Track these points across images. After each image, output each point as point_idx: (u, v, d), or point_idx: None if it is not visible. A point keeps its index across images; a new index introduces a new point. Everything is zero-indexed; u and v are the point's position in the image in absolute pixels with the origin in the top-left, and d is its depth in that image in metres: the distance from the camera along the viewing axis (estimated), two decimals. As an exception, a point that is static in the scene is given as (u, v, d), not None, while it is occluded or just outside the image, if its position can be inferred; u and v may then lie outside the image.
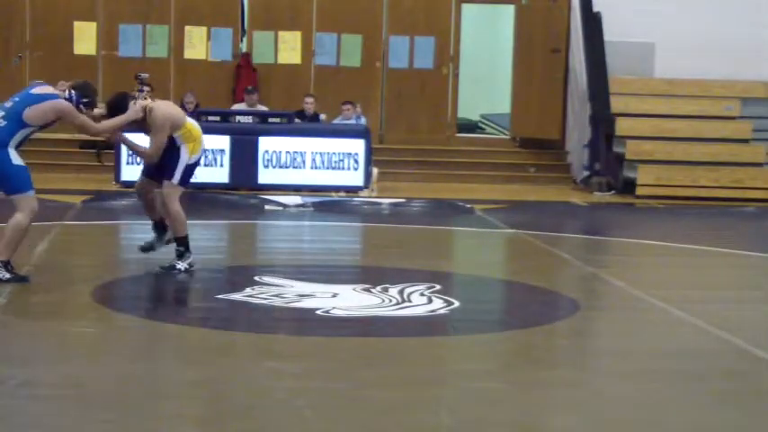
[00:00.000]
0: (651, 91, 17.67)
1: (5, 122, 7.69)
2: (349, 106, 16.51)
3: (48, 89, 7.91)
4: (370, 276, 8.81)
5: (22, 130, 7.72)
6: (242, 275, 8.72)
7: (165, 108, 8.74)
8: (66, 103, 7.85)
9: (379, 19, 18.45)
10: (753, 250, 11.22)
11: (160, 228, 8.87)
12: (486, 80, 20.54)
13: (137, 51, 18.11)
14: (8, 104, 7.79)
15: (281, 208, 13.73)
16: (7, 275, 7.69)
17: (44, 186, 14.16)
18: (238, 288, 8.04)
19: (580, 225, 13.97)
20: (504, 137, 19.56)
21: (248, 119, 15.29)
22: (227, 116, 15.42)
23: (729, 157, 16.67)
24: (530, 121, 18.35)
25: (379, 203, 14.38)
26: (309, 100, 16.49)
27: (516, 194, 15.99)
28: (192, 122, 8.84)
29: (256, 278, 8.43)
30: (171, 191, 8.58)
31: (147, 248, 8.90)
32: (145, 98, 15.84)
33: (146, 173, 8.79)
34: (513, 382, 5.96)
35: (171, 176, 8.59)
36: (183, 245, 8.66)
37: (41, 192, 13.17)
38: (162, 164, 8.63)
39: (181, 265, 8.59)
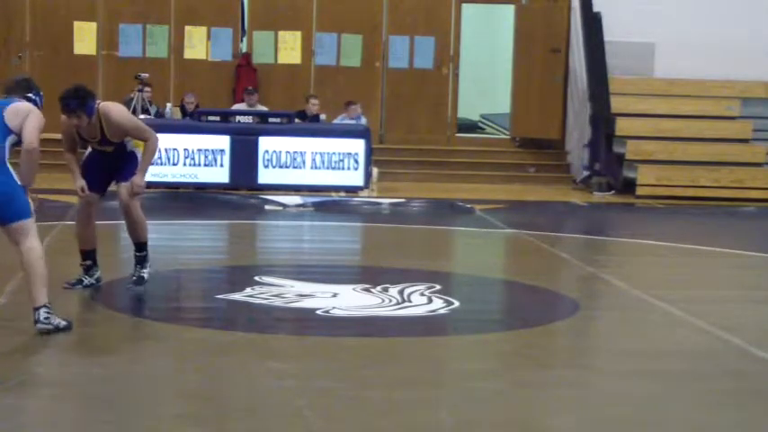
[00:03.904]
0: (651, 91, 17.67)
1: None
2: (355, 106, 16.53)
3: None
4: (370, 276, 8.81)
5: (7, 138, 6.53)
6: (242, 275, 8.72)
7: (117, 109, 7.78)
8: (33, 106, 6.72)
9: (379, 19, 18.44)
10: (753, 250, 11.22)
11: (93, 260, 8.04)
12: (486, 80, 20.54)
13: (137, 51, 18.11)
14: None
15: (281, 208, 13.73)
16: (63, 322, 6.52)
17: (44, 186, 14.18)
18: (238, 288, 8.04)
19: (580, 225, 13.97)
20: (504, 137, 19.55)
21: (248, 119, 15.29)
22: (227, 116, 15.41)
23: (729, 157, 16.67)
24: (530, 121, 18.34)
25: (379, 203, 14.38)
26: (315, 101, 16.48)
27: (516, 194, 15.99)
28: None
29: (256, 278, 8.44)
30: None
31: (76, 283, 7.95)
32: (148, 98, 15.97)
33: (91, 187, 7.82)
34: (513, 382, 5.97)
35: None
36: (145, 249, 7.98)
37: (41, 192, 13.17)
38: (111, 172, 7.87)
39: (146, 273, 7.94)
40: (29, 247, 6.49)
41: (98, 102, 7.64)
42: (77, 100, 7.45)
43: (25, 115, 6.54)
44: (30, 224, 6.53)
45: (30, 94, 6.80)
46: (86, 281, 7.97)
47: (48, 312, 6.46)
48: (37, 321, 6.43)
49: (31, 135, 6.49)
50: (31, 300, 6.48)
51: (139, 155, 7.87)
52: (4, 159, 6.46)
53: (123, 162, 7.82)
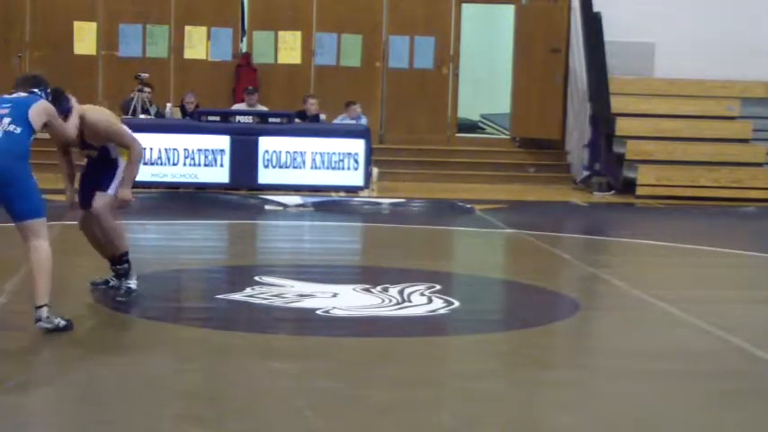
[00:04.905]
0: (651, 91, 17.67)
1: (20, 128, 6.49)
2: (355, 106, 16.53)
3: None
4: (370, 276, 8.81)
5: (31, 136, 6.58)
6: (242, 275, 8.72)
7: (95, 110, 7.53)
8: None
9: (379, 19, 18.44)
10: (753, 250, 11.22)
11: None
12: (486, 80, 20.54)
13: (137, 51, 18.11)
14: (3, 111, 6.58)
15: (281, 208, 13.73)
16: (63, 322, 6.51)
17: (44, 186, 14.18)
18: (238, 288, 8.04)
19: (580, 225, 13.97)
20: (504, 137, 19.56)
21: (248, 119, 15.29)
22: (227, 116, 15.41)
23: (729, 157, 16.68)
24: (530, 121, 18.34)
25: (379, 203, 14.38)
26: (313, 101, 16.49)
27: (516, 194, 15.99)
28: None
29: (256, 278, 8.43)
30: (103, 204, 7.43)
31: (101, 283, 7.87)
32: (148, 98, 15.96)
33: (82, 205, 7.60)
34: (513, 382, 5.97)
35: (106, 187, 7.47)
36: (126, 261, 7.63)
37: (41, 191, 13.10)
38: (93, 181, 7.56)
39: (133, 283, 7.60)
40: (36, 246, 6.50)
41: (74, 102, 7.25)
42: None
43: (48, 116, 6.62)
44: (40, 224, 6.55)
45: (36, 90, 6.79)
46: (113, 282, 7.86)
47: (49, 311, 6.45)
48: (39, 320, 6.42)
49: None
50: (34, 298, 6.47)
51: (122, 163, 7.52)
52: (25, 156, 6.49)
53: (105, 167, 7.52)
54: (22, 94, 6.74)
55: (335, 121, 16.54)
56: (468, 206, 14.18)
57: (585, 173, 17.52)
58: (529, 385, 5.89)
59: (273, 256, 10.65)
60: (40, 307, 6.42)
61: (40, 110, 6.62)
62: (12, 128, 6.46)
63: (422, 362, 6.28)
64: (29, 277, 6.54)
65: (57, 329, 6.44)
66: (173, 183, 14.72)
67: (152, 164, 14.67)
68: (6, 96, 6.75)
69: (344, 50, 18.40)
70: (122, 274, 7.61)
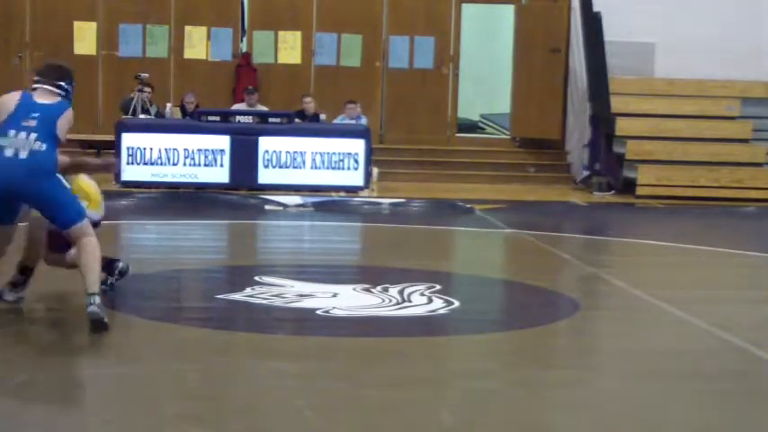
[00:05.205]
0: (651, 91, 17.68)
1: (46, 144, 6.51)
2: (353, 105, 16.53)
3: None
4: (370, 276, 8.80)
5: (57, 147, 6.63)
6: (242, 275, 8.71)
7: None
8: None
9: (379, 19, 18.45)
10: (753, 250, 11.22)
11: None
12: (486, 80, 20.55)
13: (137, 51, 18.12)
14: (31, 123, 6.52)
15: (281, 208, 13.73)
16: (106, 318, 6.60)
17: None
18: (238, 288, 8.03)
19: (580, 225, 13.96)
20: (504, 137, 19.57)
21: (248, 119, 15.29)
22: (227, 116, 15.41)
23: (729, 157, 16.68)
24: (530, 121, 18.35)
25: (379, 203, 14.38)
26: (308, 99, 16.51)
27: (516, 194, 15.99)
28: (86, 181, 7.39)
29: (256, 278, 8.43)
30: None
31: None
32: (148, 98, 15.95)
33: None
34: (513, 382, 5.97)
35: None
36: (27, 274, 7.24)
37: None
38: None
39: (11, 296, 7.17)
40: (84, 243, 6.65)
41: None
42: None
43: (69, 124, 6.69)
44: (83, 225, 6.68)
45: (62, 83, 6.81)
46: (110, 279, 7.73)
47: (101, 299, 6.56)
48: (91, 304, 6.45)
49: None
50: (87, 286, 6.52)
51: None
52: (52, 170, 6.54)
53: None
54: (47, 91, 6.69)
55: (335, 121, 16.54)
56: (468, 206, 14.18)
57: (585, 173, 17.53)
58: (529, 385, 5.89)
59: (273, 256, 10.65)
60: (94, 294, 6.49)
61: (66, 120, 6.65)
62: (37, 145, 6.46)
63: (422, 362, 6.27)
64: (80, 270, 6.64)
65: (101, 322, 6.46)
66: (173, 183, 14.72)
67: (152, 164, 14.69)
68: (35, 100, 6.65)
69: (344, 50, 18.41)
70: (16, 283, 7.19)
